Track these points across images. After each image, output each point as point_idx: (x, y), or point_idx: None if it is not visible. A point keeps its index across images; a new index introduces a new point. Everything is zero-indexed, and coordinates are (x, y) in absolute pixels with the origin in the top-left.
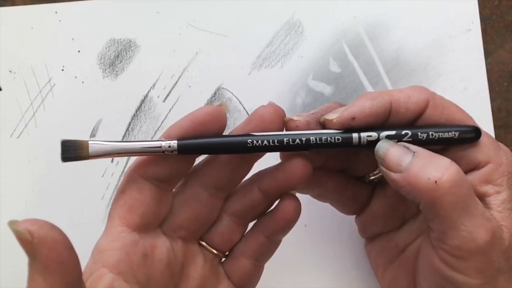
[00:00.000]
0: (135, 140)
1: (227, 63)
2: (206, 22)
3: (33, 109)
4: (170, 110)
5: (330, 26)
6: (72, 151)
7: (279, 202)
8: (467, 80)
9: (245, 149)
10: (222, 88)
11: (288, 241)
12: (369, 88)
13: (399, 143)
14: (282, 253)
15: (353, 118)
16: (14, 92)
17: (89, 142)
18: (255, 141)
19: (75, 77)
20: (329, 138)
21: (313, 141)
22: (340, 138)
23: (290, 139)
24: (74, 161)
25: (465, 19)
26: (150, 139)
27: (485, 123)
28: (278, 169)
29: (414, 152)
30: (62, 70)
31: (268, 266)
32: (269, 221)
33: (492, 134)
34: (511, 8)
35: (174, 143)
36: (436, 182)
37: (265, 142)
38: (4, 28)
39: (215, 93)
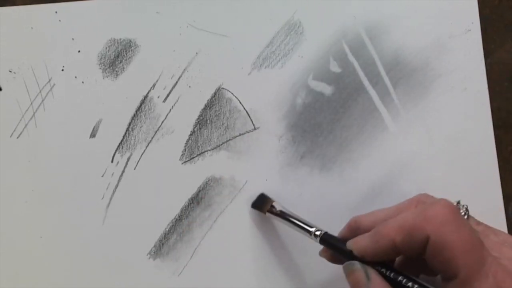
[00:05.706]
0: (301, 221)
1: (227, 63)
2: (206, 22)
3: (33, 109)
4: (170, 110)
5: (330, 26)
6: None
7: None
8: (467, 80)
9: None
10: (222, 88)
11: (288, 241)
12: (369, 88)
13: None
14: (282, 253)
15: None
16: (14, 92)
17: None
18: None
19: (75, 77)
20: None
21: None
22: None
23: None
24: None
25: (465, 19)
26: (306, 224)
27: (485, 123)
28: None
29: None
30: (62, 70)
31: (268, 266)
32: None
33: (492, 134)
34: (511, 8)
35: (318, 237)
36: None
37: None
38: (4, 28)
39: (215, 93)
